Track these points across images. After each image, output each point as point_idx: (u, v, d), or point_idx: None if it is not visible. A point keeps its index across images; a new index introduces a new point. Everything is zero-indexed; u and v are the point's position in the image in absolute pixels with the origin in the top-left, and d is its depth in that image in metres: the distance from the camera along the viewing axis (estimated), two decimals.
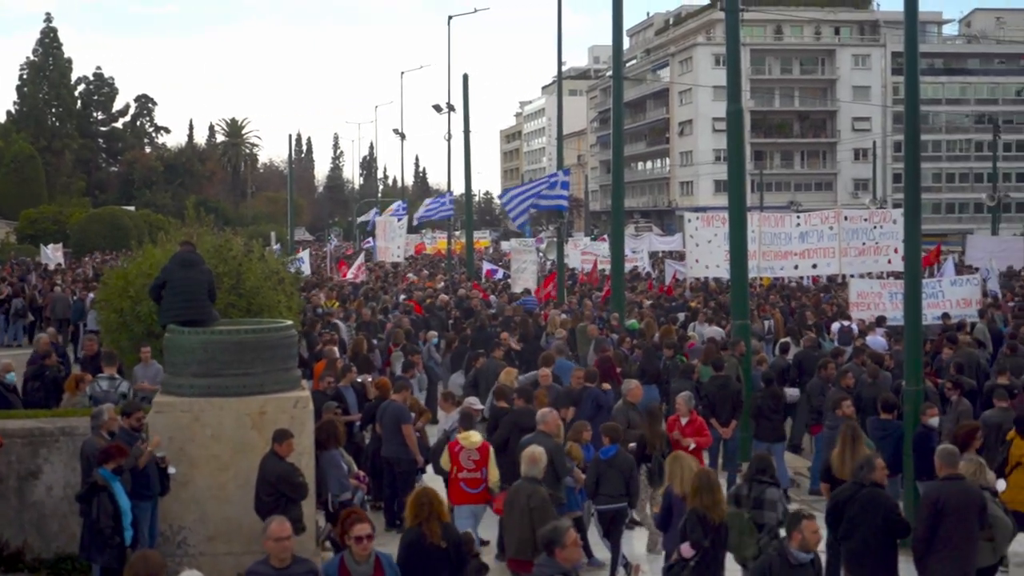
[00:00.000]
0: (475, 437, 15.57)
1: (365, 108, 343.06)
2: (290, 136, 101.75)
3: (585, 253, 56.12)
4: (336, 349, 24.15)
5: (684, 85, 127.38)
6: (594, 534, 15.90)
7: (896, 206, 58.00)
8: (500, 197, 36.82)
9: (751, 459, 14.46)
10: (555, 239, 43.27)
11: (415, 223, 72.22)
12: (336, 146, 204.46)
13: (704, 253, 36.58)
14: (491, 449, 15.70)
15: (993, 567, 13.24)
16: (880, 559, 12.57)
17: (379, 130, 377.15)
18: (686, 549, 12.24)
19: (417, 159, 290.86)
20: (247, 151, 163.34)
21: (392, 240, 57.31)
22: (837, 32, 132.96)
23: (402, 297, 39.43)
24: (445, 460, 15.67)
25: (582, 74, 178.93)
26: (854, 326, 29.27)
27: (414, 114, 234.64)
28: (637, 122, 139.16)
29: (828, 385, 20.80)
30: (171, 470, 13.92)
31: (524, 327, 28.81)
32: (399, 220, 58.13)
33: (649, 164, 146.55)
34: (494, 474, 15.41)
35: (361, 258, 54.25)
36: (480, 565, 12.74)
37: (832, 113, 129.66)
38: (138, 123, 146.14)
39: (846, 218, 37.33)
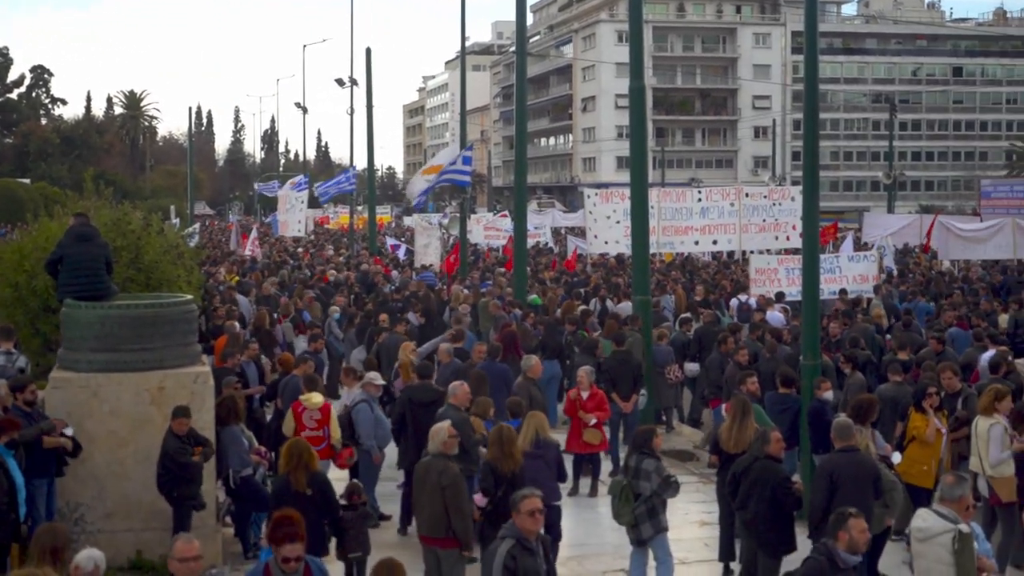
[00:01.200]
0: (316, 398, 16.18)
1: (267, 81, 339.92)
2: (190, 109, 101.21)
3: (488, 228, 56.18)
4: (237, 324, 23.94)
5: (587, 61, 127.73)
6: None
7: (795, 183, 58.85)
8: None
9: (635, 432, 14.61)
10: (458, 214, 43.27)
11: (318, 199, 71.80)
12: (237, 119, 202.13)
13: (603, 229, 36.74)
14: (332, 408, 16.33)
15: (883, 534, 13.50)
16: (772, 529, 12.82)
17: (281, 104, 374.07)
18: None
19: (319, 133, 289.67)
20: (146, 124, 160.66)
21: (292, 214, 56.84)
22: (738, 11, 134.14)
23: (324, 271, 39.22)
24: (289, 421, 16.14)
25: (485, 49, 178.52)
26: (752, 301, 29.61)
27: (316, 88, 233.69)
28: (540, 98, 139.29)
29: (727, 360, 21.05)
30: (68, 431, 13.74)
31: (427, 302, 28.79)
32: (298, 192, 57.52)
33: (552, 140, 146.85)
34: (336, 432, 16.03)
35: (254, 232, 53.74)
36: (366, 512, 13.59)
37: (733, 91, 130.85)
38: (33, 94, 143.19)
39: (747, 195, 37.72)
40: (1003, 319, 26.81)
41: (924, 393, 15.80)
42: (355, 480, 14.87)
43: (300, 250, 54.93)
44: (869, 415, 14.54)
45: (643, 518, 13.34)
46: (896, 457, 14.51)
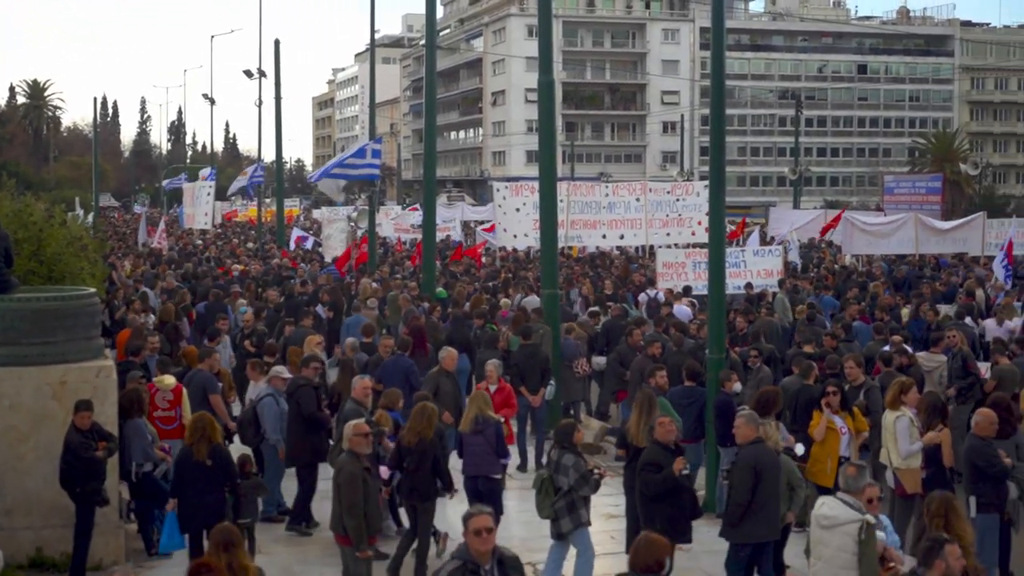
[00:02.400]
0: (169, 380, 16.70)
1: (174, 72, 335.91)
2: (95, 99, 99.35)
3: (397, 222, 56.07)
4: (138, 317, 23.68)
5: (497, 55, 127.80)
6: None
7: (703, 178, 59.24)
8: (312, 179, 36.58)
9: (557, 426, 14.69)
10: (367, 208, 43.10)
11: (228, 194, 71.24)
12: (143, 110, 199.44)
13: (512, 222, 36.69)
14: (184, 390, 16.79)
15: (786, 528, 13.65)
16: (651, 516, 13.05)
17: (188, 95, 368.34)
18: (383, 470, 14.28)
19: (227, 125, 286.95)
20: (50, 114, 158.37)
21: (199, 207, 56.25)
22: (648, 6, 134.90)
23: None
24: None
25: (395, 42, 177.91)
26: (660, 295, 29.81)
27: (225, 79, 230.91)
28: (450, 91, 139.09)
29: (634, 353, 21.19)
30: None
31: (335, 296, 28.67)
32: (209, 184, 56.93)
33: (462, 134, 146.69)
34: (187, 412, 16.25)
35: (162, 224, 53.10)
36: (257, 483, 14.70)
37: (642, 86, 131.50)
38: None
39: (651, 190, 37.91)
40: (905, 313, 27.24)
41: (824, 392, 16.01)
42: (244, 453, 15.51)
43: (199, 243, 54.48)
44: (772, 407, 14.70)
45: (563, 512, 13.43)
46: (799, 448, 14.68)
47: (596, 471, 13.70)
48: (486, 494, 14.66)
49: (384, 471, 14.35)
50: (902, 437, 14.68)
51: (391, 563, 14.46)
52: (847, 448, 15.39)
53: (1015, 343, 21.20)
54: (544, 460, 19.82)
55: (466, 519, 9.27)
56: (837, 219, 46.97)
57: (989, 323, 25.60)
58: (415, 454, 14.08)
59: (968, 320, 25.02)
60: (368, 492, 12.49)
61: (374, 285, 31.41)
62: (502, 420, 16.23)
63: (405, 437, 14.23)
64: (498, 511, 13.95)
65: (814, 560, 11.17)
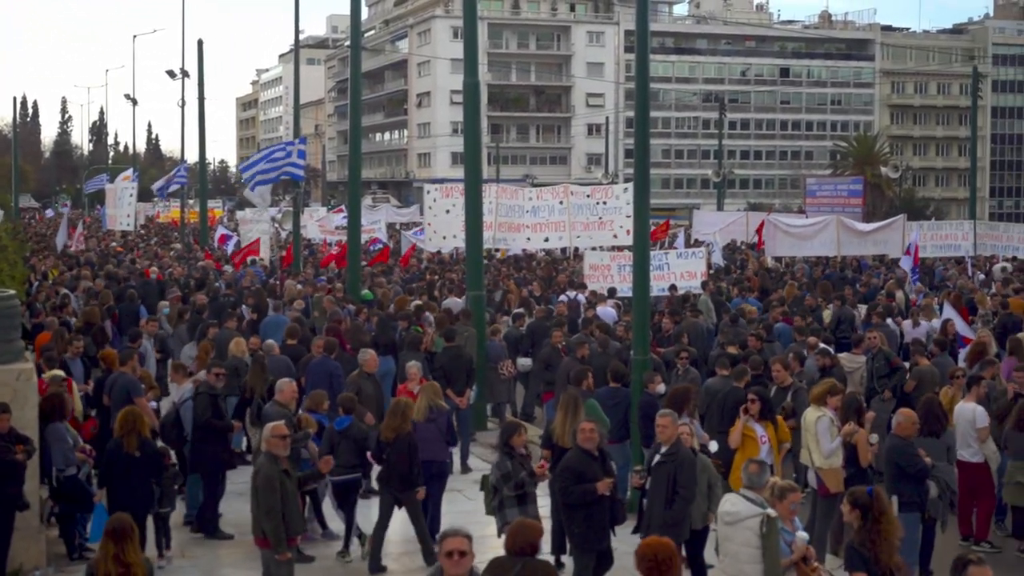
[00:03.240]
0: (59, 374, 16.89)
1: (96, 72, 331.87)
2: (15, 99, 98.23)
3: (322, 223, 55.84)
4: (56, 320, 23.39)
5: (422, 57, 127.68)
6: (328, 506, 15.91)
7: (628, 180, 59.55)
8: (240, 168, 36.50)
9: (501, 428, 14.91)
10: (291, 209, 42.89)
11: (154, 196, 70.58)
12: (64, 110, 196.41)
13: (442, 224, 36.75)
14: (74, 384, 17.33)
15: (705, 528, 13.70)
16: (571, 521, 13.14)
17: (110, 95, 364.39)
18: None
19: (150, 125, 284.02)
20: None
21: (121, 208, 55.62)
22: (572, 9, 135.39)
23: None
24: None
25: (320, 43, 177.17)
26: (581, 297, 29.94)
27: (147, 79, 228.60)
28: (375, 93, 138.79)
29: (559, 354, 21.28)
30: None
31: (259, 297, 28.51)
32: (132, 185, 56.27)
33: (387, 135, 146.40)
34: (77, 405, 16.87)
35: (81, 226, 52.47)
36: (175, 474, 15.30)
37: (567, 88, 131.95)
38: None
39: (573, 194, 38.12)
40: (827, 314, 27.53)
41: (745, 398, 16.11)
42: (162, 444, 15.84)
43: (114, 244, 53.89)
44: (685, 405, 14.77)
45: (495, 511, 13.70)
46: (713, 445, 14.74)
47: (530, 472, 13.68)
48: (437, 476, 15.68)
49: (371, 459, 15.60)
50: (823, 436, 14.80)
51: (370, 563, 14.77)
52: (768, 456, 15.23)
53: (934, 344, 21.51)
54: (469, 462, 19.95)
55: (441, 539, 9.14)
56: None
57: (907, 324, 25.95)
58: (394, 447, 14.84)
59: (889, 321, 25.32)
60: (286, 494, 12.42)
61: (299, 287, 31.25)
62: (452, 411, 16.65)
63: (383, 433, 15.03)
64: (440, 489, 15.84)
65: (722, 556, 11.31)
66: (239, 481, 16.63)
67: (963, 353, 21.74)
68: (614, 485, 12.97)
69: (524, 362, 23.62)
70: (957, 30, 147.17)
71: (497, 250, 41.36)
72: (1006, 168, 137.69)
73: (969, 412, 16.25)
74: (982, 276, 38.65)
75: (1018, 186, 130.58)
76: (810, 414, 15.07)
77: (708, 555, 14.02)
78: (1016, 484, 15.95)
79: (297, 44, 43.81)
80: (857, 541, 10.27)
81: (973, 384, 16.91)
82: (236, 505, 16.35)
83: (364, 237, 41.03)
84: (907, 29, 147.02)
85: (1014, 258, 43.05)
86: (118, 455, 13.98)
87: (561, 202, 37.43)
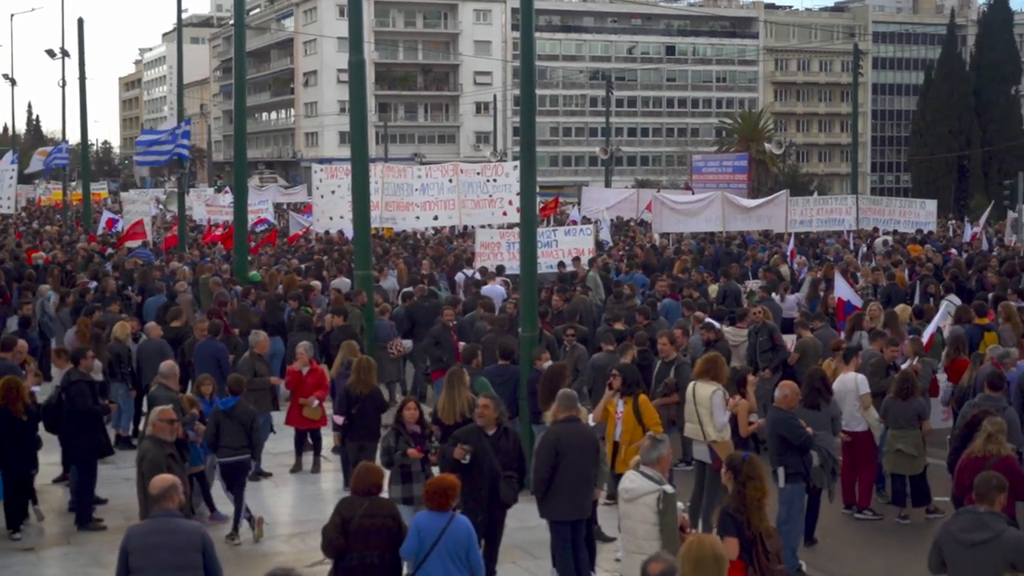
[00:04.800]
0: None
1: None
2: None
3: (209, 204, 55.23)
4: None
5: (308, 35, 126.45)
6: (218, 488, 15.82)
7: (516, 158, 59.66)
8: (138, 145, 36.11)
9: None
10: (176, 190, 42.37)
11: (27, 172, 68.94)
12: None
13: (329, 204, 36.53)
14: None
15: (594, 503, 13.81)
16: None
17: None
18: (337, 418, 16.65)
19: (30, 106, 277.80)
20: None
21: (1, 191, 54.33)
22: None
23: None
24: None
25: (205, 21, 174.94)
26: (477, 275, 29.98)
27: (26, 59, 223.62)
28: (261, 72, 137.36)
29: (449, 332, 21.32)
30: None
31: (144, 279, 28.17)
32: (11, 167, 55.00)
33: (274, 114, 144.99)
34: None
35: None
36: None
37: (455, 67, 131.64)
38: None
39: (462, 171, 38.10)
40: (713, 290, 27.88)
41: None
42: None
43: None
44: (561, 382, 14.80)
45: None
46: (590, 422, 14.72)
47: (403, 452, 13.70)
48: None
49: (337, 419, 16.71)
50: (718, 410, 14.92)
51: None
52: (617, 434, 14.99)
53: (815, 318, 21.85)
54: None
55: None
56: None
57: (789, 298, 26.40)
58: (364, 400, 16.09)
59: (774, 296, 25.68)
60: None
61: (185, 268, 30.93)
62: None
63: (354, 388, 16.13)
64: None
65: (622, 533, 11.41)
66: (125, 466, 16.45)
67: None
68: (496, 461, 12.99)
69: (406, 343, 23.50)
70: (838, 8, 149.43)
71: (383, 229, 41.19)
72: (887, 143, 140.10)
73: (851, 381, 16.58)
74: (864, 249, 39.36)
75: (899, 161, 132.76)
76: (704, 388, 15.08)
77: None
78: (896, 452, 16.32)
79: (180, 23, 43.24)
80: (731, 507, 10.42)
81: (851, 355, 17.26)
82: (123, 490, 16.20)
83: (251, 218, 40.70)
84: (790, 7, 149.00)
85: (895, 232, 43.88)
86: (7, 418, 14.82)
87: (451, 180, 37.40)
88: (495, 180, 37.36)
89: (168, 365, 16.18)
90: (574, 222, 43.52)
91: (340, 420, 16.48)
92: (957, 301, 24.18)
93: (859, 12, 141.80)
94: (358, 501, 10.79)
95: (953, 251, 37.53)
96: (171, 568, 9.65)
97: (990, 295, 25.11)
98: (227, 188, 62.96)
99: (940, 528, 10.57)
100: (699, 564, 8.37)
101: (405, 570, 10.83)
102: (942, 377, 18.69)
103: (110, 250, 39.08)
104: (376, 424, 16.18)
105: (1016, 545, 9.83)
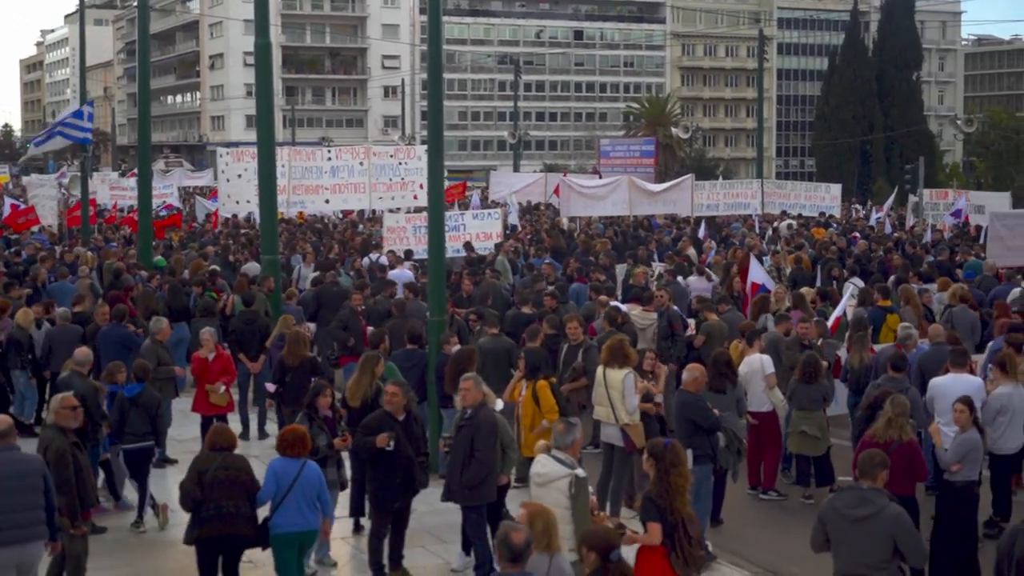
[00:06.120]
0: None
1: None
2: None
3: (114, 188, 54.48)
4: None
5: (214, 18, 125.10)
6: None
7: (424, 142, 59.56)
8: (31, 143, 35.58)
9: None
10: (79, 174, 41.76)
11: None
12: None
13: (235, 188, 36.26)
14: None
15: (504, 487, 13.83)
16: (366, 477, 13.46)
17: None
18: (269, 386, 17.84)
19: None
20: None
21: None
22: None
23: None
24: None
25: (108, 3, 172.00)
26: (382, 259, 29.89)
27: None
28: (166, 54, 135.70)
29: (358, 318, 21.22)
30: None
31: (47, 264, 27.73)
32: None
33: (179, 98, 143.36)
34: None
35: None
36: None
37: (363, 50, 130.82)
38: None
39: (375, 154, 37.96)
40: (620, 271, 28.06)
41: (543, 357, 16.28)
42: None
43: None
44: (468, 367, 14.83)
45: None
46: (499, 404, 14.71)
47: (328, 443, 13.65)
48: None
49: (269, 387, 17.83)
50: (629, 393, 14.98)
51: None
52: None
53: (721, 301, 22.04)
54: (266, 428, 19.80)
55: None
56: None
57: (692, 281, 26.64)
58: (296, 370, 16.96)
59: (680, 279, 25.87)
60: (79, 467, 12.15)
61: (89, 254, 30.50)
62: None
63: (287, 359, 17.08)
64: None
65: None
66: None
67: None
68: (409, 446, 13.00)
69: (311, 326, 23.33)
70: None
71: (297, 213, 40.90)
72: (792, 128, 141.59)
73: (756, 362, 16.81)
74: (769, 233, 39.79)
75: (803, 146, 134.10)
76: (614, 373, 15.13)
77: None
78: (800, 434, 16.55)
79: (83, 4, 42.54)
80: (654, 492, 10.52)
81: (755, 337, 17.47)
82: None
83: (156, 202, 40.23)
84: None
85: (799, 216, 44.41)
86: None
87: (362, 163, 37.27)
88: (407, 163, 37.34)
89: (84, 352, 15.98)
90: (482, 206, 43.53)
91: (272, 388, 17.54)
92: (860, 284, 24.60)
93: None
94: (212, 456, 11.94)
95: (857, 234, 38.04)
96: (17, 491, 10.97)
97: (891, 278, 25.53)
98: (132, 172, 62.17)
99: (824, 504, 10.82)
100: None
101: (265, 513, 11.93)
102: (846, 357, 18.97)
103: (14, 236, 38.42)
104: (305, 393, 16.05)
105: (897, 520, 10.12)
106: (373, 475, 13.20)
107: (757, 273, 24.44)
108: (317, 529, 12.15)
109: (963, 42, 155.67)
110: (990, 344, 19.10)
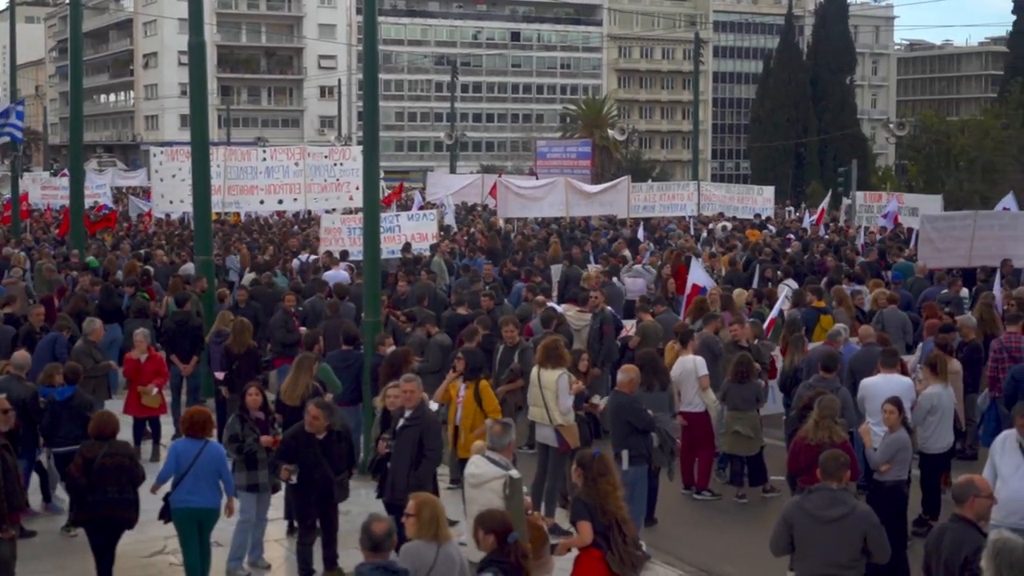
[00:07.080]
0: None
1: None
2: None
3: (46, 188, 53.93)
4: None
5: (148, 16, 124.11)
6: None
7: (360, 143, 59.41)
8: None
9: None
10: (9, 173, 41.34)
11: None
12: None
13: (169, 188, 35.96)
14: None
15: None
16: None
17: None
18: (219, 374, 18.53)
19: None
20: None
21: None
22: None
23: None
24: None
25: (39, 0, 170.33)
26: (313, 259, 29.82)
27: None
28: (100, 53, 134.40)
29: (291, 317, 21.18)
30: None
31: None
32: None
33: (113, 97, 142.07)
34: None
35: None
36: None
37: (299, 50, 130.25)
38: None
39: (310, 155, 37.83)
40: (556, 271, 28.16)
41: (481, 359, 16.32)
42: None
43: None
44: (404, 367, 14.83)
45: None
46: (434, 405, 14.62)
47: (256, 439, 13.59)
48: None
49: (219, 375, 18.75)
50: (563, 393, 14.99)
51: None
52: (458, 418, 14.99)
53: (656, 302, 22.12)
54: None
55: None
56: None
57: (628, 281, 26.78)
58: (242, 358, 18.04)
59: (615, 280, 25.97)
60: (7, 469, 12.01)
61: (20, 254, 30.17)
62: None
63: (233, 347, 18.16)
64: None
65: (467, 518, 11.45)
66: None
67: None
68: (329, 467, 12.98)
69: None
70: None
71: (228, 214, 40.64)
72: (727, 131, 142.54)
73: (690, 363, 16.90)
74: (704, 235, 40.01)
75: (738, 148, 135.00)
76: (548, 373, 15.12)
77: None
78: (734, 434, 16.68)
79: (13, 1, 42.09)
80: (583, 494, 10.58)
81: (688, 338, 17.57)
82: None
83: (89, 202, 39.88)
84: None
85: (733, 218, 44.68)
86: None
87: (297, 163, 37.11)
88: (342, 164, 37.22)
89: (23, 356, 15.80)
90: (421, 207, 43.49)
91: (221, 376, 18.54)
92: (794, 285, 24.79)
93: (700, 1, 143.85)
94: (98, 444, 12.45)
95: (791, 236, 38.35)
96: None
97: (824, 279, 25.75)
98: (64, 171, 61.57)
99: (790, 507, 10.74)
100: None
101: (167, 489, 12.64)
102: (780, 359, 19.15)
103: None
104: (254, 378, 16.18)
105: (868, 518, 10.30)
106: (291, 490, 13.34)
107: (698, 275, 24.44)
108: (217, 508, 12.72)
109: (896, 47, 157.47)
110: (921, 344, 19.35)
